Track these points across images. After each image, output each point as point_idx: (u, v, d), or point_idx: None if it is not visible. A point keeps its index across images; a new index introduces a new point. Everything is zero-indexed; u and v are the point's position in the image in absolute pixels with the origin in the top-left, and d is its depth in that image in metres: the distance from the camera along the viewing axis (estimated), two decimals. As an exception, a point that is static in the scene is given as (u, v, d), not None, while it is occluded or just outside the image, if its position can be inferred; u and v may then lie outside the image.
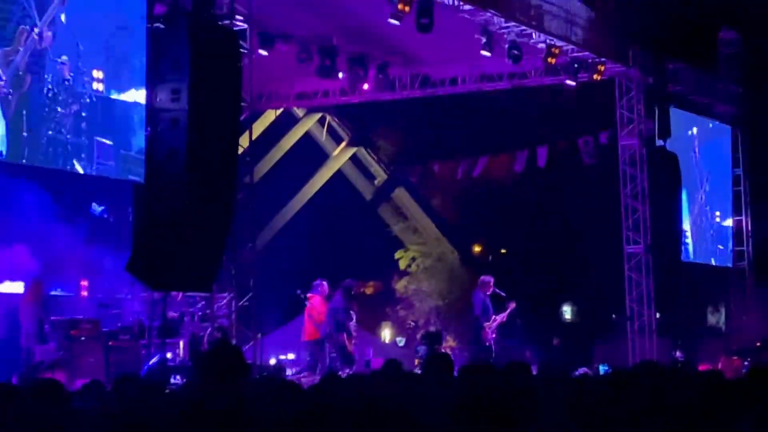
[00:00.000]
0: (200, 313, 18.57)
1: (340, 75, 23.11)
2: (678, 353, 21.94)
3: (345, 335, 19.98)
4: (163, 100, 15.08)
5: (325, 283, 20.59)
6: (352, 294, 20.66)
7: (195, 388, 6.35)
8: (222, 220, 15.77)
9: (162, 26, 15.34)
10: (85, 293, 19.09)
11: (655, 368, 6.53)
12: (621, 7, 21.32)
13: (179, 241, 14.95)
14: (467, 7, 19.27)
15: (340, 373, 16.86)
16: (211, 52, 15.41)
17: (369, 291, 31.94)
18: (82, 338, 16.93)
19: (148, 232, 14.96)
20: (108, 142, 15.51)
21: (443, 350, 23.35)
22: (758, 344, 24.16)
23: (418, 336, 20.66)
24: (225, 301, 16.99)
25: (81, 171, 15.78)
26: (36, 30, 14.44)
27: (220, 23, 15.82)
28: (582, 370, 20.61)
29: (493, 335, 21.13)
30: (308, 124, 29.72)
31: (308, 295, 20.19)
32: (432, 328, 21.78)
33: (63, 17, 14.89)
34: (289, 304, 23.04)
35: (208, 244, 15.42)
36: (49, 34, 14.65)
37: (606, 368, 17.03)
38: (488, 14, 19.66)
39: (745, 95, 25.68)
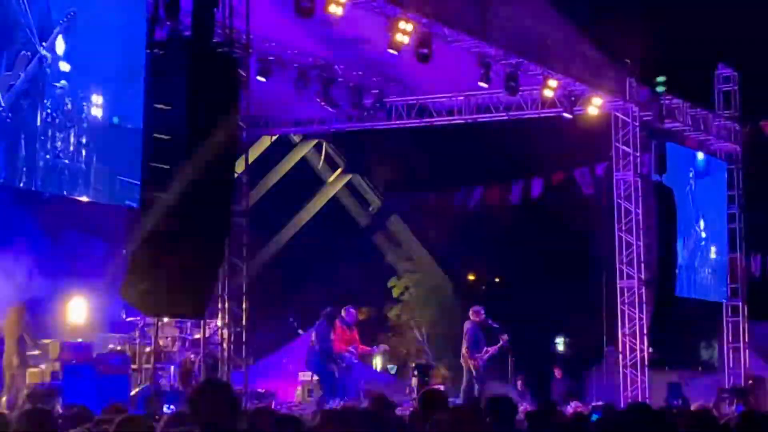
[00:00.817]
0: (191, 339, 18.54)
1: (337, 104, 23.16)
2: (674, 400, 21.89)
3: (333, 365, 19.98)
4: (159, 126, 15.08)
5: (352, 310, 20.65)
6: (348, 322, 20.63)
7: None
8: (215, 245, 15.74)
9: (161, 52, 15.35)
10: (77, 316, 19.07)
11: (647, 412, 6.49)
12: (618, 42, 21.37)
13: (172, 266, 14.92)
14: (465, 38, 19.30)
15: (327, 405, 16.85)
16: (209, 78, 15.43)
17: (361, 317, 31.89)
18: (74, 362, 16.90)
19: (141, 257, 14.93)
20: (105, 167, 15.49)
21: (435, 380, 23.32)
22: (750, 382, 24.17)
23: (411, 365, 20.63)
24: (217, 327, 16.93)
25: (78, 196, 15.76)
26: (37, 55, 14.44)
27: (218, 50, 15.83)
28: (574, 404, 20.63)
29: (484, 366, 21.10)
30: (304, 150, 29.75)
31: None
32: (422, 360, 21.73)
33: (64, 43, 14.89)
34: (282, 330, 23.05)
35: (200, 270, 15.39)
36: (50, 59, 14.64)
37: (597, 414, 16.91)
38: (486, 46, 19.70)
39: (741, 132, 25.73)
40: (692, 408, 15.23)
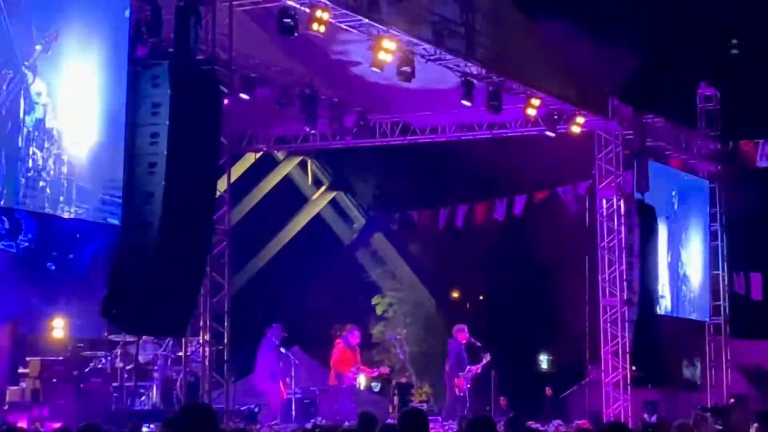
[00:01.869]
0: (173, 357, 18.49)
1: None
2: (647, 415, 21.92)
3: (280, 384, 20.05)
4: (141, 143, 15.08)
5: (356, 331, 20.78)
6: (351, 343, 20.70)
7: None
8: (197, 264, 15.73)
9: (143, 69, 15.35)
10: (58, 334, 18.98)
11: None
12: (601, 62, 21.44)
13: (153, 284, 14.90)
14: (448, 57, 19.35)
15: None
16: (191, 95, 15.44)
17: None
18: (54, 380, 16.82)
19: (122, 275, 14.91)
20: (87, 185, 15.44)
21: (417, 398, 23.29)
22: (732, 400, 24.19)
23: (392, 385, 20.65)
24: (198, 345, 16.88)
25: (60, 214, 15.72)
26: (18, 74, 14.42)
27: (201, 67, 15.84)
28: (556, 422, 20.64)
29: (468, 385, 21.10)
30: (288, 167, 29.74)
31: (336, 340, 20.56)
32: (403, 379, 21.72)
33: (45, 60, 14.87)
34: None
35: (182, 288, 15.38)
36: (31, 76, 14.62)
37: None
38: (469, 65, 19.75)
39: (723, 151, 25.83)
40: (675, 425, 15.24)
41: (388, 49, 18.25)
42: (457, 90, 20.29)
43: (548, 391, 25.46)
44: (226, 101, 16.55)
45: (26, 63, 14.55)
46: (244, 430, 9.52)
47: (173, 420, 6.27)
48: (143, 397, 18.27)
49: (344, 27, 17.85)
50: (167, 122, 14.96)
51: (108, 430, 11.35)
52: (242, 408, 19.51)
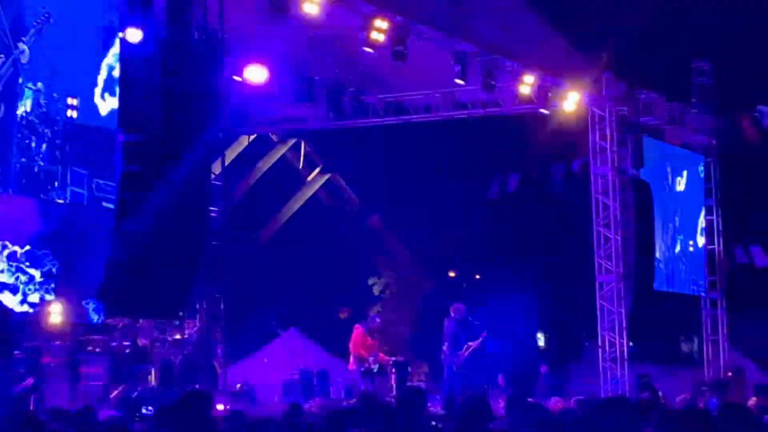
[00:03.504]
0: (171, 340, 18.50)
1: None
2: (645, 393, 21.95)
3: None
4: (135, 126, 15.07)
5: (377, 318, 21.03)
6: (371, 328, 20.80)
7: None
8: (194, 247, 15.75)
9: (135, 50, 15.33)
10: (56, 318, 18.96)
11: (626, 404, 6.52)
12: (594, 37, 21.42)
13: (150, 268, 14.93)
14: (441, 35, 19.32)
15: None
16: (184, 76, 15.43)
17: (342, 316, 31.92)
18: (52, 364, 16.82)
19: (119, 259, 14.93)
20: (83, 170, 15.44)
21: (414, 377, 23.34)
22: (729, 374, 24.26)
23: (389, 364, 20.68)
24: (195, 328, 16.91)
25: (54, 199, 15.72)
26: (11, 57, 14.39)
27: (194, 49, 15.81)
28: (554, 399, 20.65)
29: (465, 363, 21.12)
30: (282, 149, 29.69)
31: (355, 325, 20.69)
32: (400, 358, 21.77)
33: (38, 45, 14.84)
34: (261, 331, 23.03)
35: (179, 272, 15.41)
36: (25, 61, 14.59)
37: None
38: (462, 43, 19.72)
39: (718, 125, 25.81)
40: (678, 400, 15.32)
41: (381, 29, 18.23)
42: (451, 68, 20.27)
43: (543, 368, 25.46)
44: (219, 83, 16.54)
45: (19, 46, 14.51)
46: (240, 412, 9.52)
47: (169, 406, 6.29)
48: (142, 381, 18.27)
49: (337, 7, 17.81)
50: (161, 105, 14.96)
51: (106, 413, 11.38)
52: (237, 388, 19.51)
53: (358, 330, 20.75)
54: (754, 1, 23.53)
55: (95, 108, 16.02)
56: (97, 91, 15.81)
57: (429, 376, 25.42)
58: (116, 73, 15.58)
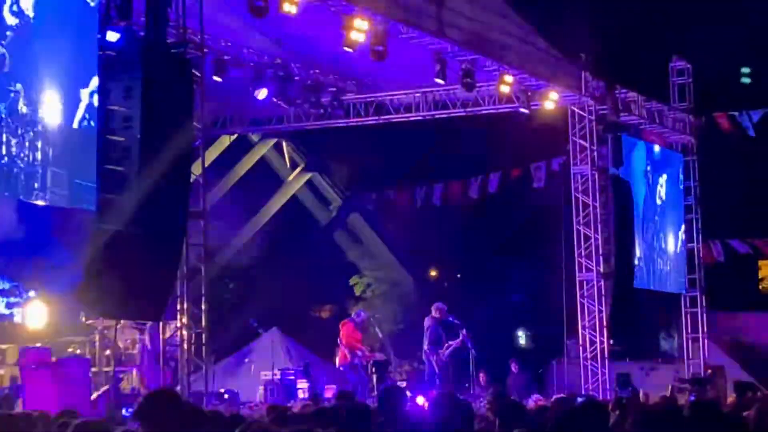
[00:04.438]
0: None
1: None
2: (620, 390, 22.03)
3: None
4: (114, 128, 15.02)
5: (363, 314, 21.03)
6: (358, 324, 20.86)
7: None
8: (173, 247, 15.69)
9: (114, 53, 15.28)
10: (36, 320, 18.94)
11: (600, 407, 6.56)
12: (574, 37, 21.48)
13: (130, 269, 14.87)
14: (421, 35, 19.34)
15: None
16: (163, 79, 15.37)
17: (324, 315, 31.93)
18: (33, 366, 16.78)
19: (98, 260, 14.87)
20: (62, 171, 15.41)
21: (395, 377, 23.34)
22: (709, 371, 24.37)
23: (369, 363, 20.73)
24: (176, 329, 16.88)
25: (34, 200, 15.70)
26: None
27: (172, 50, 15.77)
28: (535, 396, 20.74)
29: (446, 361, 21.17)
30: (263, 149, 29.69)
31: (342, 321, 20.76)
32: (382, 356, 21.81)
33: (17, 45, 14.81)
34: (242, 331, 23.00)
35: (158, 273, 15.35)
36: (4, 61, 14.56)
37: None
38: (441, 43, 19.75)
39: (696, 124, 25.92)
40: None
41: (361, 29, 18.23)
42: (431, 68, 20.30)
43: (514, 367, 25.46)
44: (198, 84, 16.50)
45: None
46: (218, 411, 9.52)
47: (139, 409, 6.30)
48: (123, 382, 18.25)
49: (316, 7, 17.81)
50: (140, 106, 14.91)
51: (87, 416, 11.36)
52: (222, 390, 19.51)
53: (348, 325, 20.89)
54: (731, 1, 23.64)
55: (75, 108, 16.02)
56: (78, 113, 15.85)
57: (410, 375, 25.43)
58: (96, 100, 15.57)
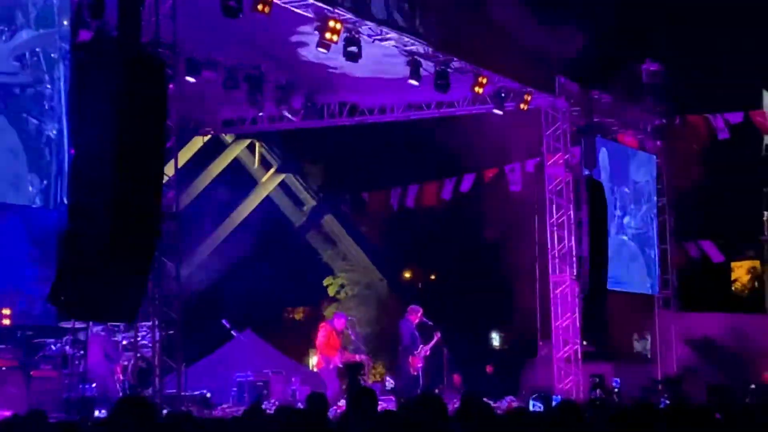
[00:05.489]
0: (124, 343, 18.36)
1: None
2: (598, 391, 22.09)
3: None
4: (86, 129, 14.94)
5: (342, 318, 20.74)
6: (336, 328, 20.64)
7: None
8: (146, 249, 15.62)
9: (86, 54, 15.20)
10: (6, 321, 18.79)
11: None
12: (547, 39, 21.51)
13: (102, 270, 14.79)
14: (395, 36, 19.33)
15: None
16: (136, 80, 15.29)
17: (298, 316, 31.89)
18: (3, 368, 16.66)
19: (70, 261, 14.78)
20: (34, 172, 15.34)
21: (371, 378, 23.32)
22: (681, 372, 24.44)
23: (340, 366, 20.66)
24: (148, 330, 16.81)
25: (7, 201, 15.61)
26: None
27: (145, 50, 15.69)
28: (508, 398, 20.78)
29: (421, 364, 21.16)
30: (237, 150, 29.63)
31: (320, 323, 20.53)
32: (359, 357, 21.74)
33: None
34: (215, 333, 22.90)
35: (131, 274, 15.26)
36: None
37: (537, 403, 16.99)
38: (415, 44, 19.75)
39: (669, 125, 26.01)
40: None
41: (334, 30, 18.21)
42: (404, 69, 20.30)
43: (489, 368, 25.52)
44: (171, 85, 16.43)
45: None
46: (189, 413, 9.47)
47: (110, 418, 6.27)
48: (94, 384, 18.11)
49: (289, 7, 17.78)
50: (112, 107, 14.83)
51: (57, 417, 11.30)
52: (195, 393, 19.40)
53: (324, 328, 20.60)
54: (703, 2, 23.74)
55: (47, 108, 15.93)
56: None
57: (385, 377, 25.42)
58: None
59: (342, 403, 18.40)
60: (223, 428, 7.54)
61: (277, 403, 18.83)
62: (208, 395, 20.09)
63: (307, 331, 27.54)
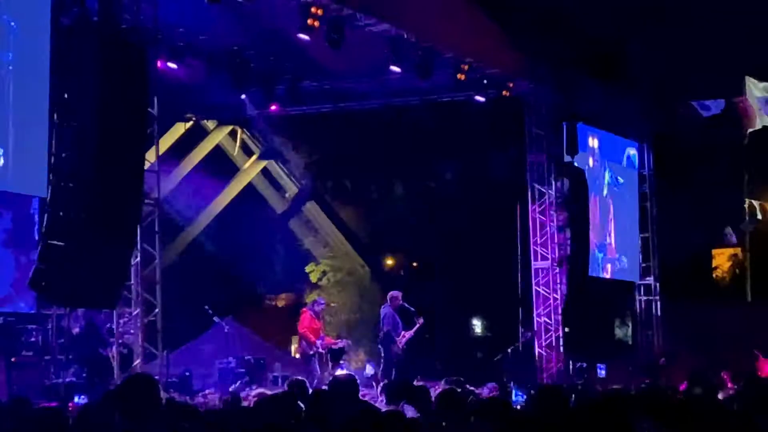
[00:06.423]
0: (105, 329, 18.33)
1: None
2: (576, 377, 22.15)
3: None
4: (68, 115, 14.89)
5: (322, 302, 20.91)
6: (316, 312, 20.71)
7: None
8: (127, 235, 15.60)
9: (66, 39, 15.14)
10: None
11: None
12: (530, 25, 21.48)
13: (83, 256, 14.76)
14: (377, 23, 19.28)
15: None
16: (118, 65, 15.26)
17: (280, 303, 31.85)
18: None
19: (51, 247, 14.75)
20: (15, 157, 15.27)
21: (353, 364, 23.36)
22: (662, 360, 24.51)
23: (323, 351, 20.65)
24: (131, 317, 16.78)
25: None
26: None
27: (126, 36, 15.64)
28: (490, 385, 20.77)
29: (402, 350, 21.17)
30: (218, 136, 29.53)
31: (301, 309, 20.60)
32: (340, 343, 21.76)
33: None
34: (197, 319, 22.89)
35: (112, 260, 15.25)
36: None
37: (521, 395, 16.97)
38: (398, 30, 19.70)
39: (652, 112, 26.01)
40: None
41: (317, 15, 18.15)
42: (387, 55, 20.25)
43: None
44: (152, 70, 16.38)
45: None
46: (172, 398, 9.48)
47: (116, 391, 6.29)
48: (75, 369, 18.07)
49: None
50: (93, 93, 14.79)
51: (39, 403, 11.27)
52: (174, 379, 19.34)
53: (305, 314, 20.84)
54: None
55: (27, 94, 15.85)
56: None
57: (367, 363, 25.43)
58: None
59: (324, 388, 18.39)
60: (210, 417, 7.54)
61: (258, 389, 18.81)
62: (187, 374, 20.07)
63: (289, 318, 27.55)
